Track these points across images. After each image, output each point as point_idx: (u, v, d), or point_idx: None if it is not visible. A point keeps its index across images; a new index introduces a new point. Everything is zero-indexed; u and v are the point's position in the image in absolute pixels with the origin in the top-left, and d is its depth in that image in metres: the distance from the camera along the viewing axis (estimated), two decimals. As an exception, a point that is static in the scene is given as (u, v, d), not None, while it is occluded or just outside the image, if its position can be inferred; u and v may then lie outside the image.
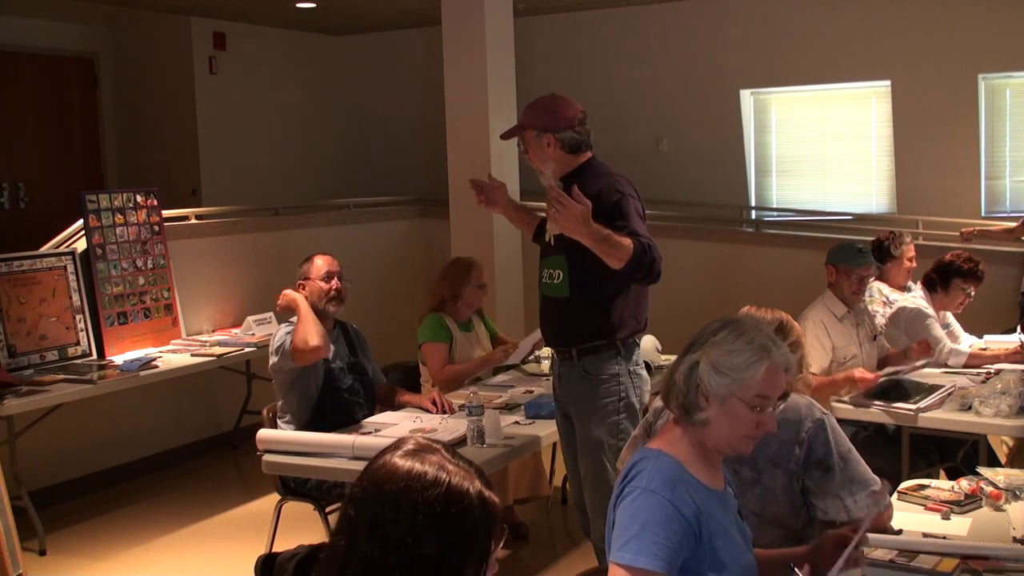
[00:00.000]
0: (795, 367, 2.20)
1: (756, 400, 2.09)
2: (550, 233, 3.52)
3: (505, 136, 3.73)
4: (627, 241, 3.20)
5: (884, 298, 4.97)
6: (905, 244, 5.02)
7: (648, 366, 4.70)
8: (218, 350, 5.73)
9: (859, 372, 4.18)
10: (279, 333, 4.10)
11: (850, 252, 4.47)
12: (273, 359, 4.07)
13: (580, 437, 3.48)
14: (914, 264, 5.07)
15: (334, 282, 4.21)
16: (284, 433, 3.93)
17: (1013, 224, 6.37)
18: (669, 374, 2.18)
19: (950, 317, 5.00)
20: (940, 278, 4.82)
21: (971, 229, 6.33)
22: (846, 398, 4.07)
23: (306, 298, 4.19)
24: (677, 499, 2.03)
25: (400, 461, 1.51)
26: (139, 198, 5.90)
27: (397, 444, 1.56)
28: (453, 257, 5.11)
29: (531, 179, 7.84)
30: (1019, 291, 6.31)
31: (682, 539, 2.01)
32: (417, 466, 1.49)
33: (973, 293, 4.86)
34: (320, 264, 4.23)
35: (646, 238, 3.28)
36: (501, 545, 1.54)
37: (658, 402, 2.92)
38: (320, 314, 4.20)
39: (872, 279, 4.69)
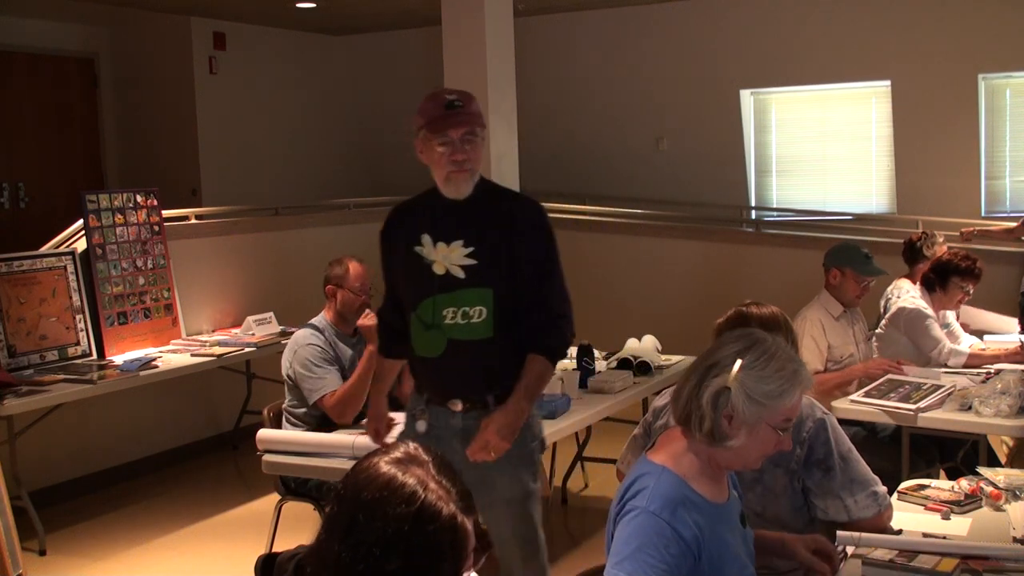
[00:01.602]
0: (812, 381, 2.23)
1: (782, 424, 2.07)
2: (442, 266, 2.94)
3: (476, 132, 2.96)
4: (548, 373, 2.99)
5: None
6: (937, 244, 5.04)
7: (648, 366, 4.73)
8: (218, 350, 5.72)
9: (876, 361, 4.31)
10: (305, 352, 3.99)
11: (858, 257, 4.42)
12: (298, 372, 4.00)
13: (502, 496, 2.96)
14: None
15: (366, 297, 4.15)
16: (284, 433, 3.93)
17: (1013, 224, 6.37)
18: (689, 396, 2.08)
19: (950, 317, 5.00)
20: (938, 277, 4.81)
21: (971, 229, 6.33)
22: (852, 396, 4.07)
23: (335, 304, 4.14)
24: (677, 522, 2.00)
25: (384, 467, 1.50)
26: (139, 198, 5.90)
27: (387, 449, 1.55)
28: None
29: (532, 179, 7.86)
30: (1019, 291, 6.30)
31: (679, 562, 1.99)
32: (398, 477, 1.48)
33: (972, 291, 4.85)
34: (357, 272, 4.15)
35: (567, 313, 2.97)
36: (471, 572, 1.53)
37: (658, 401, 2.92)
38: (346, 322, 4.16)
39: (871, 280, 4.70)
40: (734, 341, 2.11)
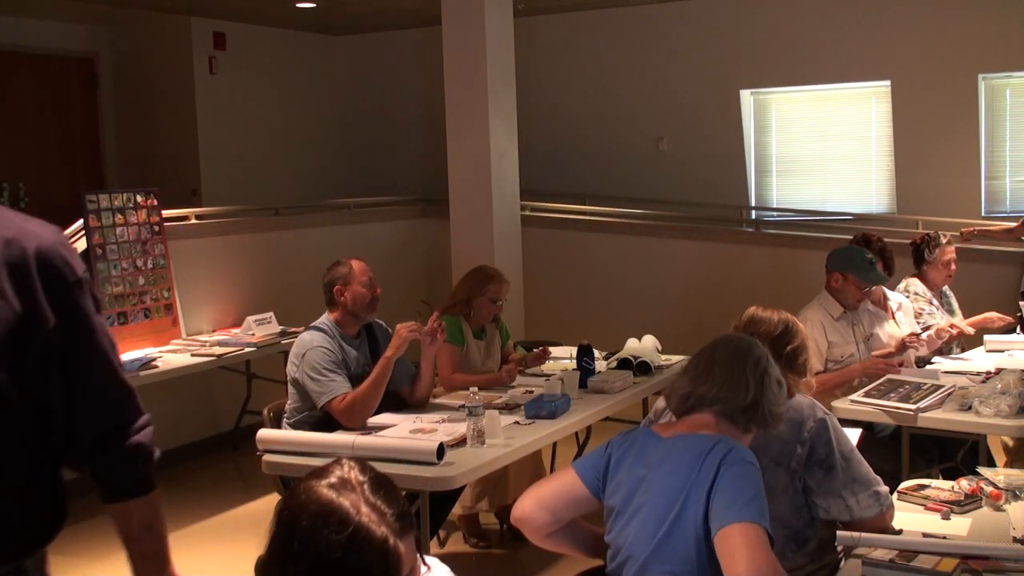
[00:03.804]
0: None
1: None
2: None
3: None
4: (160, 519, 1.92)
5: (927, 297, 5.06)
6: (941, 247, 5.04)
7: (648, 366, 4.72)
8: (218, 350, 5.72)
9: (874, 361, 4.28)
10: (314, 355, 3.94)
11: (862, 264, 4.41)
12: (306, 375, 3.94)
13: None
14: (954, 267, 5.12)
15: (377, 290, 4.14)
16: (284, 433, 3.92)
17: (1013, 224, 6.38)
18: (771, 401, 2.39)
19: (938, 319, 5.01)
20: None
21: (971, 229, 6.34)
22: (852, 396, 4.06)
23: (345, 304, 4.09)
24: None
25: (321, 491, 1.51)
26: (139, 198, 5.90)
27: (324, 471, 1.56)
28: (482, 264, 5.02)
29: (532, 179, 7.87)
30: (1019, 290, 6.30)
31: None
32: (332, 502, 1.49)
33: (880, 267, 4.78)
34: (361, 268, 4.14)
35: (125, 389, 1.79)
36: None
37: (660, 402, 2.92)
38: (354, 320, 4.15)
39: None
40: (748, 358, 2.41)
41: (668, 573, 2.19)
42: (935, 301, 5.14)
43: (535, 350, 4.86)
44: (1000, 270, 6.51)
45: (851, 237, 5.07)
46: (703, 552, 2.16)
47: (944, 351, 4.95)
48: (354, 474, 1.55)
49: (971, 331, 5.03)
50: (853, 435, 2.87)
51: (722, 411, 2.34)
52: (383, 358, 3.93)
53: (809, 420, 2.64)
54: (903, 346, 4.48)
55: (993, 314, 5.24)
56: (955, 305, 5.32)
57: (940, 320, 5.06)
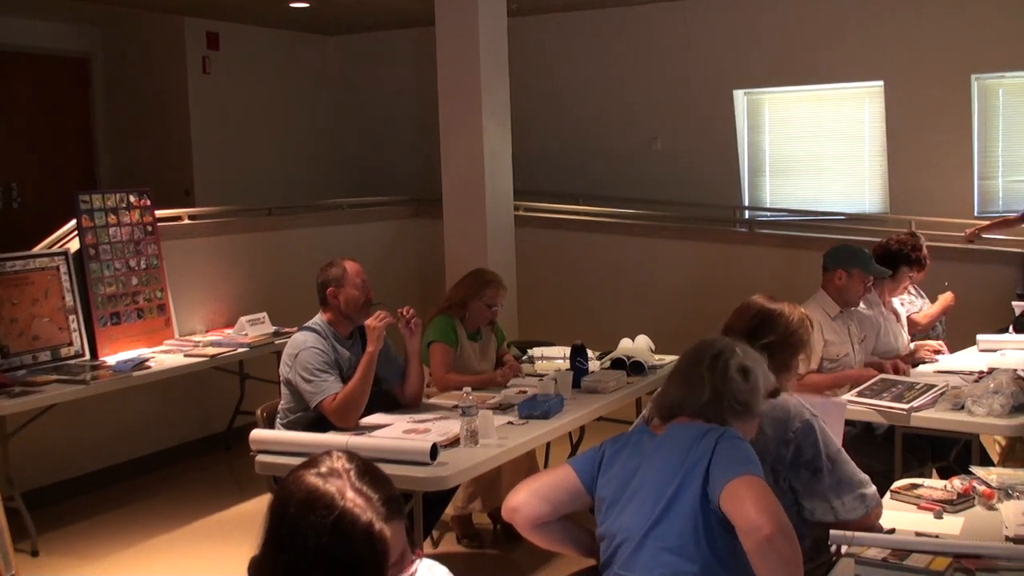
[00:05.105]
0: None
1: None
2: None
3: None
4: None
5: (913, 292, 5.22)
6: (924, 243, 5.14)
7: (641, 366, 4.72)
8: (211, 350, 5.71)
9: (867, 371, 4.29)
10: (307, 355, 3.93)
11: (864, 258, 4.44)
12: (299, 375, 3.93)
13: None
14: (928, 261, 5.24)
15: (370, 292, 4.14)
16: (277, 433, 3.91)
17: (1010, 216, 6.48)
18: (752, 391, 2.47)
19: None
20: (887, 264, 4.78)
21: (973, 230, 6.38)
22: (846, 396, 4.07)
23: (337, 306, 4.09)
24: None
25: (308, 480, 1.53)
26: (132, 198, 5.89)
27: (313, 462, 1.57)
28: (480, 267, 5.00)
29: (527, 179, 7.87)
30: (1015, 292, 6.31)
31: None
32: (318, 489, 1.51)
33: (915, 278, 4.96)
34: (355, 269, 4.13)
35: None
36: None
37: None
38: (348, 322, 4.14)
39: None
40: (705, 356, 2.50)
41: (664, 549, 2.22)
42: (912, 291, 5.29)
43: (506, 362, 4.78)
44: (999, 270, 6.53)
45: (845, 237, 5.14)
46: (700, 526, 2.22)
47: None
48: (341, 463, 1.56)
49: (945, 349, 5.06)
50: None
51: (692, 412, 2.43)
52: (366, 354, 3.93)
53: (795, 420, 2.64)
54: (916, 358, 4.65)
55: (947, 295, 5.31)
56: (921, 291, 5.48)
57: (924, 306, 5.31)
